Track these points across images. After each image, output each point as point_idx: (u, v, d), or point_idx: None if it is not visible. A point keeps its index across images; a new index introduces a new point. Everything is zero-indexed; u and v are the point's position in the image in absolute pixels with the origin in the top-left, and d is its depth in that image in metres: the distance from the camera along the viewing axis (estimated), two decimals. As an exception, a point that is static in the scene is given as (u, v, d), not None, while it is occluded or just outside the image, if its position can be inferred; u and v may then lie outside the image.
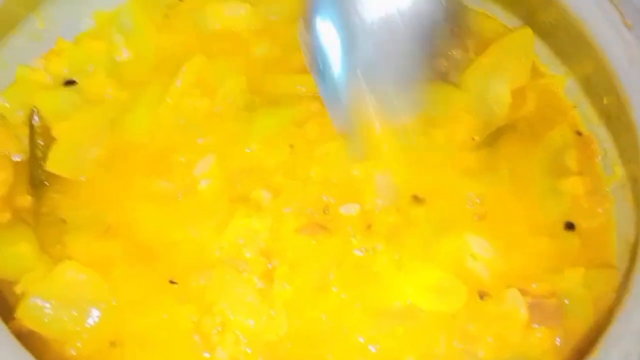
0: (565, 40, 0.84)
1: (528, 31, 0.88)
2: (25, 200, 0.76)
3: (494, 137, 0.82)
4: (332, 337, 0.70)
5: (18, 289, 0.68)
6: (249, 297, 0.69)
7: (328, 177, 0.78)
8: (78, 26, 0.88)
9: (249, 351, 0.68)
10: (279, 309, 0.69)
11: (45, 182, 0.76)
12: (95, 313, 0.69)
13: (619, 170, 0.81)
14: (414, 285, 0.72)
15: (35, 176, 0.76)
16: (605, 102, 0.80)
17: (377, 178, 0.78)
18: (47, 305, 0.67)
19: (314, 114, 0.81)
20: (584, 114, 0.85)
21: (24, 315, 0.67)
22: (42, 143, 0.77)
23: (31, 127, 0.77)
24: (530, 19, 0.89)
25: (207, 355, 0.68)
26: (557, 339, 0.71)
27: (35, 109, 0.77)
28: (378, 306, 0.71)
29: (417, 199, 0.78)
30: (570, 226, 0.79)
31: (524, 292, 0.72)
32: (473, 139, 0.82)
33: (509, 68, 0.85)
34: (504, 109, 0.84)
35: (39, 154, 0.77)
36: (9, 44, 0.81)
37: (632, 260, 0.72)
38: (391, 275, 0.73)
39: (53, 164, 0.75)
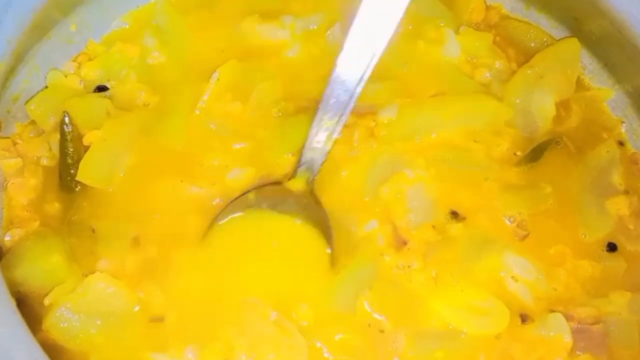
0: (615, 53, 0.81)
1: (575, 41, 0.84)
2: (53, 207, 0.74)
3: (537, 152, 0.79)
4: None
5: (46, 301, 0.67)
6: (267, 331, 0.67)
7: (358, 194, 0.76)
8: (109, 29, 0.86)
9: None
10: (297, 336, 0.67)
11: (76, 190, 0.74)
12: (121, 325, 0.67)
13: (668, 191, 0.78)
14: (453, 306, 0.70)
15: (65, 183, 0.75)
16: (658, 119, 0.77)
17: (409, 193, 0.75)
18: (75, 317, 0.66)
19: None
20: (633, 130, 0.82)
21: (52, 327, 0.66)
22: (72, 150, 0.74)
23: (62, 133, 0.75)
24: (577, 29, 0.86)
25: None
26: (602, 366, 0.69)
27: (67, 114, 0.75)
28: (416, 327, 0.69)
29: (455, 216, 0.75)
30: (612, 247, 0.76)
31: (568, 317, 0.69)
32: (515, 154, 0.79)
33: (554, 80, 0.82)
34: (547, 123, 0.81)
35: (70, 160, 0.74)
36: (42, 48, 0.79)
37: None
38: (428, 295, 0.70)
39: (83, 175, 0.73)
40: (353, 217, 0.74)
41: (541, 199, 0.77)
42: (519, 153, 0.79)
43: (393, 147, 0.78)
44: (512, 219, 0.76)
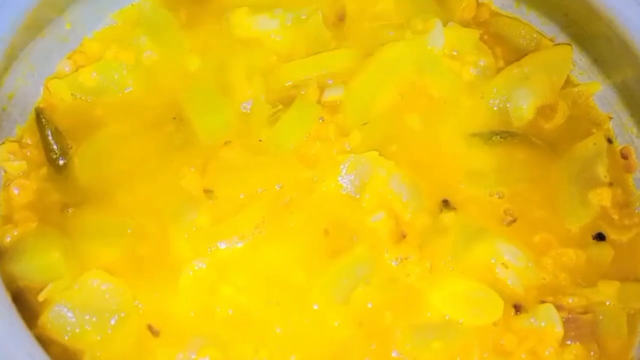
0: (605, 48, 0.82)
1: (567, 49, 0.86)
2: (53, 209, 0.74)
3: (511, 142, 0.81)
4: (363, 351, 0.69)
5: (41, 297, 0.67)
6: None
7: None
8: (103, 27, 0.86)
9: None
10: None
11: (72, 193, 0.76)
12: (117, 322, 0.68)
13: (655, 184, 0.79)
14: (449, 297, 0.71)
15: (62, 185, 0.76)
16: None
17: (393, 180, 0.75)
18: (70, 314, 0.67)
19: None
20: (622, 125, 0.84)
21: (47, 323, 0.66)
22: (56, 147, 0.77)
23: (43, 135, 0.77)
24: (566, 25, 0.87)
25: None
26: (592, 353, 0.71)
27: (39, 110, 0.78)
28: (412, 319, 0.70)
29: (446, 204, 0.76)
30: (600, 237, 0.77)
31: (558, 307, 0.71)
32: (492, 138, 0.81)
33: (538, 83, 0.83)
34: (522, 122, 0.82)
35: (53, 156, 0.77)
36: (37, 46, 0.79)
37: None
38: (425, 287, 0.71)
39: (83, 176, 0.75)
40: (353, 213, 0.75)
41: (520, 175, 0.78)
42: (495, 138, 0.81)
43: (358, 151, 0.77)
44: (499, 195, 0.77)
